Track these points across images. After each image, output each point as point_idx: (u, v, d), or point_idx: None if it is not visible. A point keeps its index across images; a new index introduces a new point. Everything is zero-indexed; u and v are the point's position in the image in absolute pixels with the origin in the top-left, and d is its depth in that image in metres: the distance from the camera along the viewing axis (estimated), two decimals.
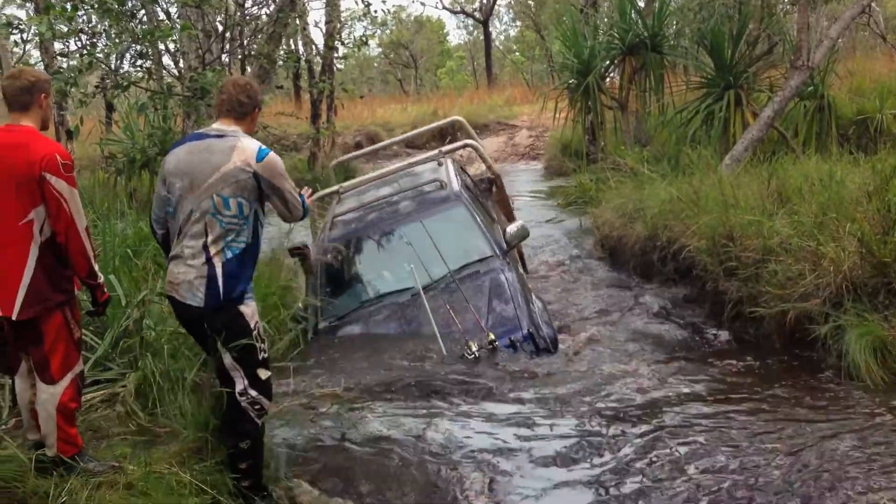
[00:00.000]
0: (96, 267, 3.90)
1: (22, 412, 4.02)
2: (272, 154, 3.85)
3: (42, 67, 8.88)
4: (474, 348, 5.06)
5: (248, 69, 9.43)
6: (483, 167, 8.39)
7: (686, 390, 5.21)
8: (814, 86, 12.01)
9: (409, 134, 7.97)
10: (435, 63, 46.96)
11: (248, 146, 3.81)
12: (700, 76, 12.75)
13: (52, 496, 3.61)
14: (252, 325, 3.79)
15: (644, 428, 4.51)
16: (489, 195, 8.20)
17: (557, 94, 14.65)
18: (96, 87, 9.05)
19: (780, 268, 6.09)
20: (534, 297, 6.48)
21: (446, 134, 24.60)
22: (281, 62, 9.63)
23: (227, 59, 9.93)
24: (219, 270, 3.71)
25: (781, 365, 5.85)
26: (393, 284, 6.20)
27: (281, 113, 10.54)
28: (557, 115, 14.65)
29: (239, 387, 3.79)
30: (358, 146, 22.96)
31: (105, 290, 4.04)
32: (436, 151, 7.68)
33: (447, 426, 4.58)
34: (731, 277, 6.64)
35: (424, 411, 4.78)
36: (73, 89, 7.44)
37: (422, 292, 5.66)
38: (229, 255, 3.73)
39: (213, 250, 3.72)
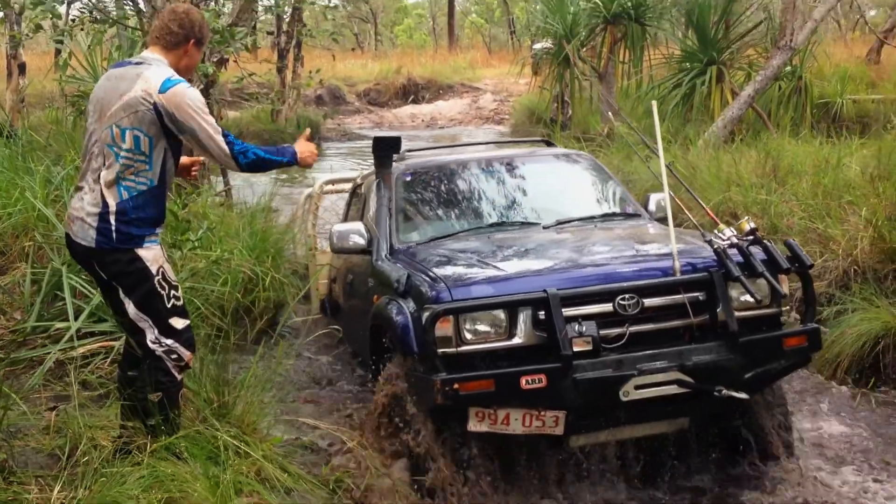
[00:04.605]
0: None
1: None
2: (181, 85, 3.39)
3: None
4: (727, 233, 3.91)
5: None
6: None
7: None
8: (792, 67, 12.10)
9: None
10: (392, 20, 46.21)
11: (155, 74, 3.40)
12: (683, 50, 12.72)
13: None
14: (154, 271, 3.43)
15: None
16: None
17: (539, 58, 14.48)
18: (72, 21, 8.53)
19: None
20: None
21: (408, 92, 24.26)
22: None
23: None
24: (112, 209, 3.38)
25: None
26: (508, 217, 4.96)
27: (266, 60, 10.15)
28: (533, 81, 14.51)
29: (150, 336, 3.46)
30: (319, 100, 22.51)
31: None
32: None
33: None
34: None
35: None
36: (53, 20, 6.96)
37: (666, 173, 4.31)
38: (125, 194, 3.39)
39: (105, 187, 3.39)
